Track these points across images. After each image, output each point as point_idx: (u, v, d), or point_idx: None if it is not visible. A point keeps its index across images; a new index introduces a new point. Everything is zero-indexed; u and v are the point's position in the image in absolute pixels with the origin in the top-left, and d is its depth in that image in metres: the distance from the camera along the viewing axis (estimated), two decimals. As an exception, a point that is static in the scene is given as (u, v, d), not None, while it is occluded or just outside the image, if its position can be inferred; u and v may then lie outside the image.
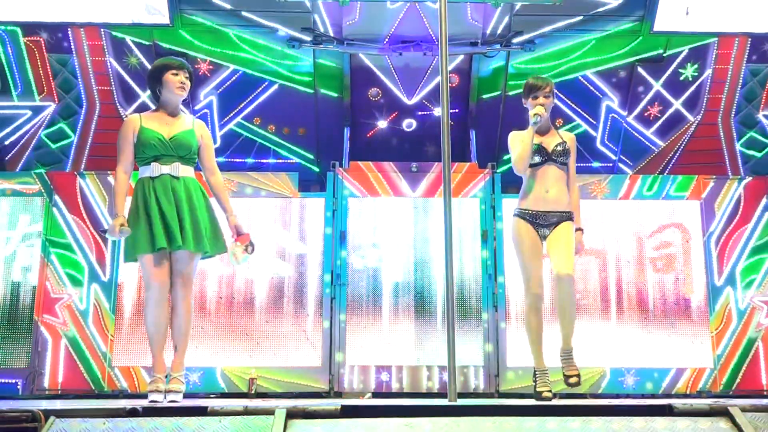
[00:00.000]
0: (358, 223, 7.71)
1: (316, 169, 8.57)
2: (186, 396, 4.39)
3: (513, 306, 7.57)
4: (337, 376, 7.35)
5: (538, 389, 4.42)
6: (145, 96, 8.33)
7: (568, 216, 4.52)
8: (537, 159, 4.48)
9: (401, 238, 7.68)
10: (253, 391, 7.15)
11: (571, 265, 4.39)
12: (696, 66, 8.60)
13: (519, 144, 4.48)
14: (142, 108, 7.61)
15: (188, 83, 4.26)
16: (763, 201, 7.81)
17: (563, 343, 4.46)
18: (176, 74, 4.21)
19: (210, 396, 7.18)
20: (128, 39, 8.29)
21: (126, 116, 7.92)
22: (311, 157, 8.68)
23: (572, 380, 4.38)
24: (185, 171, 4.19)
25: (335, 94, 8.60)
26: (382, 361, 7.43)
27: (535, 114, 4.42)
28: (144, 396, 4.18)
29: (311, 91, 8.53)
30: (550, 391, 4.38)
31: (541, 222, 4.49)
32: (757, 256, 7.69)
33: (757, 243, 7.70)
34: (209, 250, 4.17)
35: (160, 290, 4.10)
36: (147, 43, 8.25)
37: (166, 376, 4.16)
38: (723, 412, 2.98)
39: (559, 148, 4.51)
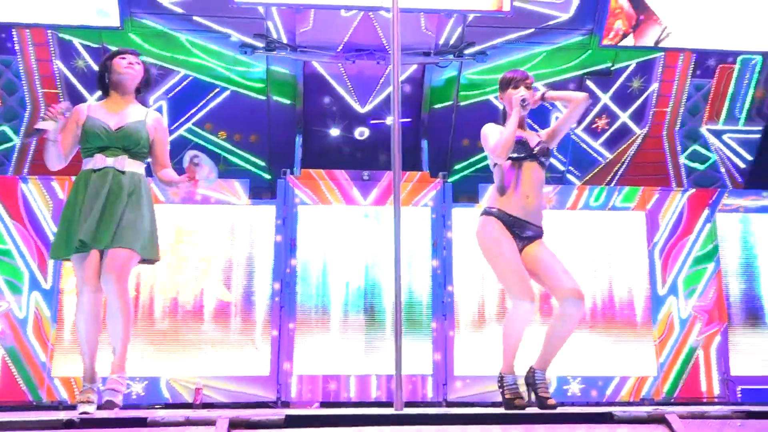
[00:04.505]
0: (308, 231, 7.66)
1: (268, 177, 8.50)
2: (128, 407, 4.22)
3: (462, 315, 7.60)
4: (284, 386, 7.28)
5: (508, 397, 3.91)
6: (93, 99, 8.16)
7: (541, 233, 3.99)
8: (517, 154, 3.93)
9: (352, 247, 7.65)
10: (198, 402, 7.04)
11: (579, 286, 3.81)
12: (643, 80, 8.79)
13: (501, 131, 3.93)
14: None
15: (138, 67, 4.00)
16: (705, 213, 8.00)
17: (542, 364, 3.96)
18: (124, 58, 3.99)
19: (154, 407, 7.03)
20: (76, 41, 8.12)
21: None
22: (263, 164, 8.60)
23: (551, 402, 3.83)
24: (133, 165, 3.87)
25: (288, 101, 8.57)
26: (331, 371, 7.39)
27: (521, 96, 3.92)
28: (85, 409, 3.97)
29: (263, 97, 8.49)
30: (522, 398, 3.89)
31: (518, 231, 3.91)
32: (698, 266, 7.88)
33: (699, 253, 7.90)
34: (140, 251, 3.82)
35: (91, 293, 3.85)
36: (95, 45, 8.09)
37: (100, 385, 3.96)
38: (660, 420, 3.01)
39: (543, 145, 4.01)
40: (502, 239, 3.89)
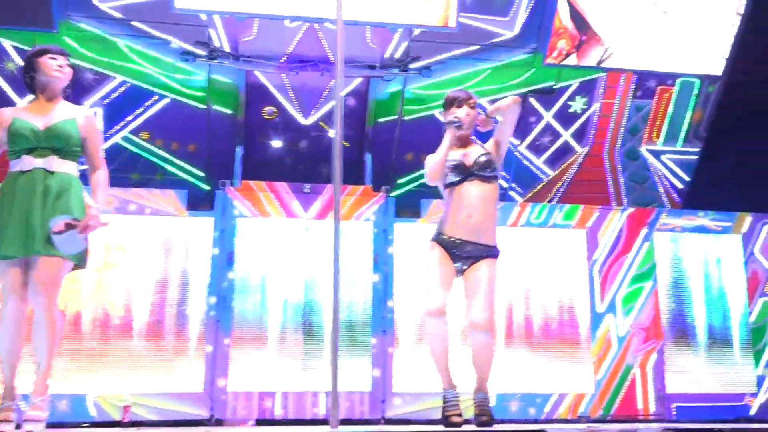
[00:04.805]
0: (247, 243, 7.48)
1: (206, 187, 8.27)
2: (52, 425, 4.01)
3: (402, 331, 7.50)
4: (218, 403, 7.05)
5: (445, 414, 3.91)
6: (23, 102, 7.85)
7: (490, 252, 3.96)
8: (455, 177, 3.94)
9: (292, 261, 7.50)
10: (126, 420, 6.78)
11: (489, 315, 3.82)
12: (585, 99, 8.88)
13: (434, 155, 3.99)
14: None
15: (68, 70, 3.90)
16: (643, 231, 8.07)
17: (477, 385, 3.96)
18: (54, 58, 3.86)
19: (80, 425, 6.74)
20: (7, 42, 7.81)
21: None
22: (201, 174, 8.37)
23: (483, 418, 3.85)
24: (62, 166, 3.74)
25: (229, 111, 8.35)
26: (267, 387, 7.19)
27: (454, 117, 3.95)
28: (3, 429, 3.75)
29: (204, 106, 8.26)
30: (459, 415, 3.90)
31: (458, 252, 3.91)
32: (636, 284, 7.94)
33: (637, 272, 7.97)
34: (73, 258, 3.68)
35: (16, 303, 3.66)
36: (28, 48, 7.76)
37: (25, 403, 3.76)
38: (593, 439, 2.99)
39: (481, 159, 3.95)
40: (432, 260, 3.95)
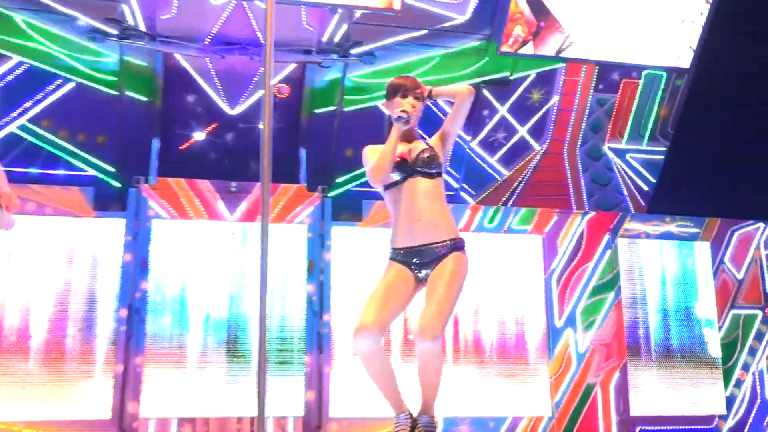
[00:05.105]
0: (163, 249, 7.09)
1: (117, 185, 7.78)
2: None
3: (339, 348, 7.13)
4: (129, 431, 6.59)
5: None
6: None
7: (453, 245, 3.64)
8: (397, 176, 3.66)
9: (214, 269, 7.09)
10: (17, 453, 6.37)
11: (437, 322, 3.45)
12: (543, 92, 8.66)
13: (378, 152, 3.67)
14: None
15: None
16: (606, 238, 7.84)
17: (422, 408, 3.62)
18: None
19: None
20: None
21: None
22: (111, 170, 7.85)
23: None
24: None
25: (144, 98, 7.97)
26: (186, 413, 6.81)
27: (402, 111, 3.59)
28: None
29: (115, 92, 7.88)
30: None
31: (420, 260, 3.63)
32: (598, 295, 7.72)
33: (599, 282, 7.75)
34: None
35: None
36: None
37: None
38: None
39: (424, 155, 3.66)
40: (380, 280, 3.65)
